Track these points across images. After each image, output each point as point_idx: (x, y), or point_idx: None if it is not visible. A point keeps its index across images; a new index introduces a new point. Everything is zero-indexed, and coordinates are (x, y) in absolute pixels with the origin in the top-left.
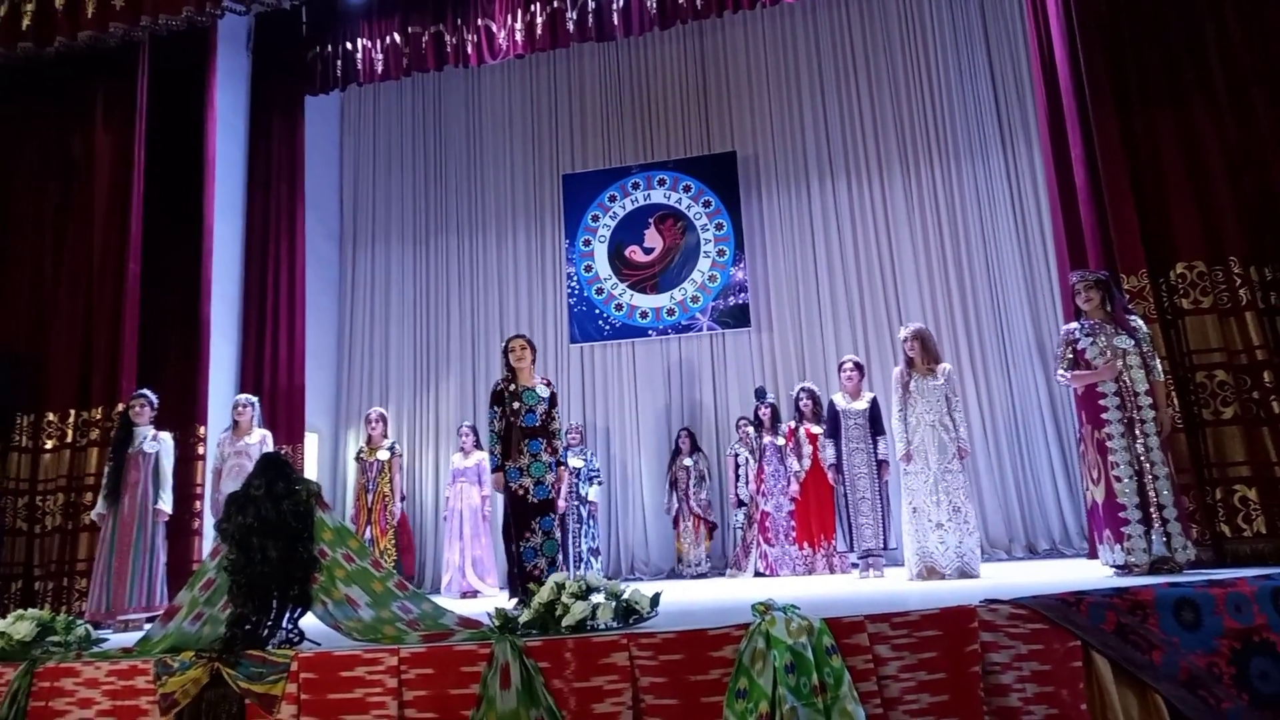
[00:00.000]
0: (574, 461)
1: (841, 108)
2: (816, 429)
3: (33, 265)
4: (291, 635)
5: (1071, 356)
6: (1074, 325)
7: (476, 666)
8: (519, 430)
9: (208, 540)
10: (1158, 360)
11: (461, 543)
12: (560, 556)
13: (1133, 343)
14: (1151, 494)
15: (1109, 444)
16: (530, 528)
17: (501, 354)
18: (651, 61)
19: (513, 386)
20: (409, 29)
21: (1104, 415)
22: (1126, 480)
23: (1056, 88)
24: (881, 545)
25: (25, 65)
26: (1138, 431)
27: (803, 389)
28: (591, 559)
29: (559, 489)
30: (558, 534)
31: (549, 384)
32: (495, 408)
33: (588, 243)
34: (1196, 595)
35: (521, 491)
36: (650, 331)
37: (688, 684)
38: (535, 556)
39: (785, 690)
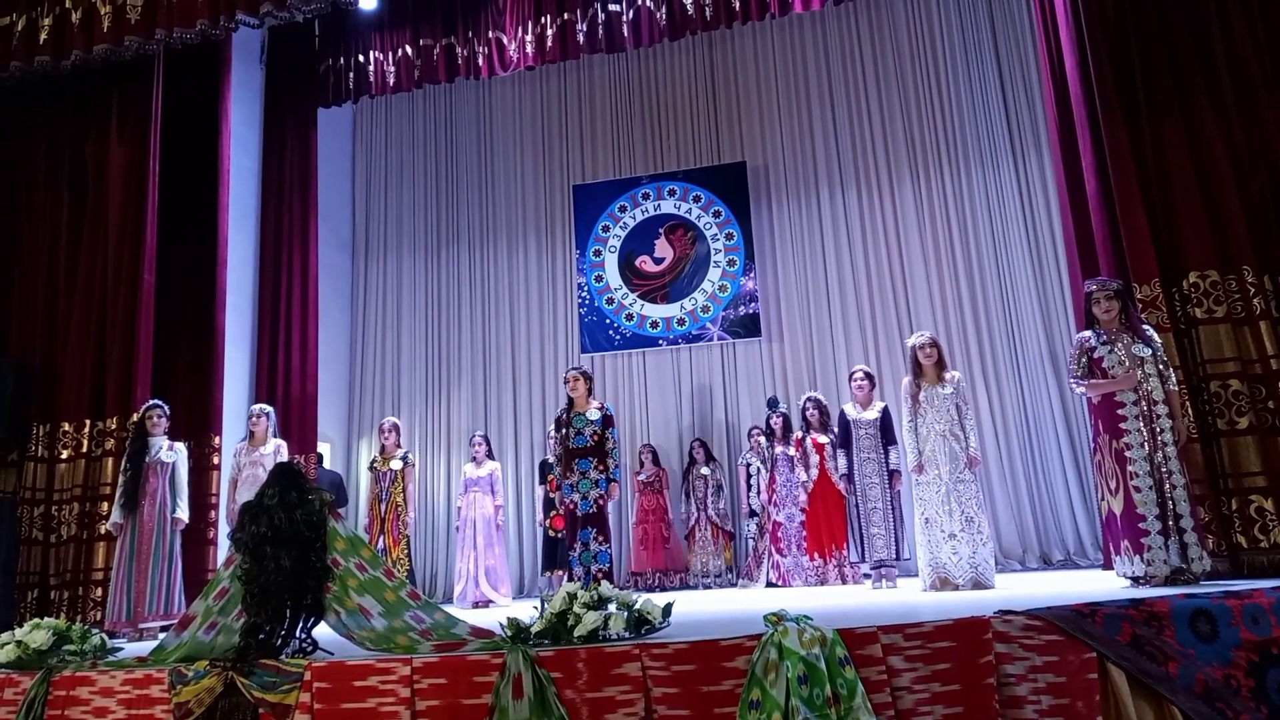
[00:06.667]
0: None
1: (851, 117)
2: (823, 438)
3: (48, 276)
4: (305, 644)
5: (1086, 365)
6: (1088, 333)
7: (489, 676)
8: (570, 451)
9: (223, 550)
10: (1172, 370)
11: (475, 552)
12: (605, 566)
13: (1150, 352)
14: (1170, 504)
15: (1128, 454)
16: (576, 538)
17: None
18: (661, 72)
19: (567, 414)
20: (420, 41)
21: (1123, 425)
22: (1146, 491)
23: (1066, 96)
24: (894, 556)
25: (42, 78)
26: (1157, 441)
27: (809, 399)
28: None
29: (604, 502)
30: (597, 545)
31: (602, 408)
32: (554, 433)
33: (598, 253)
34: (1213, 607)
35: (571, 506)
36: (661, 341)
37: (700, 695)
38: (576, 565)
39: (798, 701)
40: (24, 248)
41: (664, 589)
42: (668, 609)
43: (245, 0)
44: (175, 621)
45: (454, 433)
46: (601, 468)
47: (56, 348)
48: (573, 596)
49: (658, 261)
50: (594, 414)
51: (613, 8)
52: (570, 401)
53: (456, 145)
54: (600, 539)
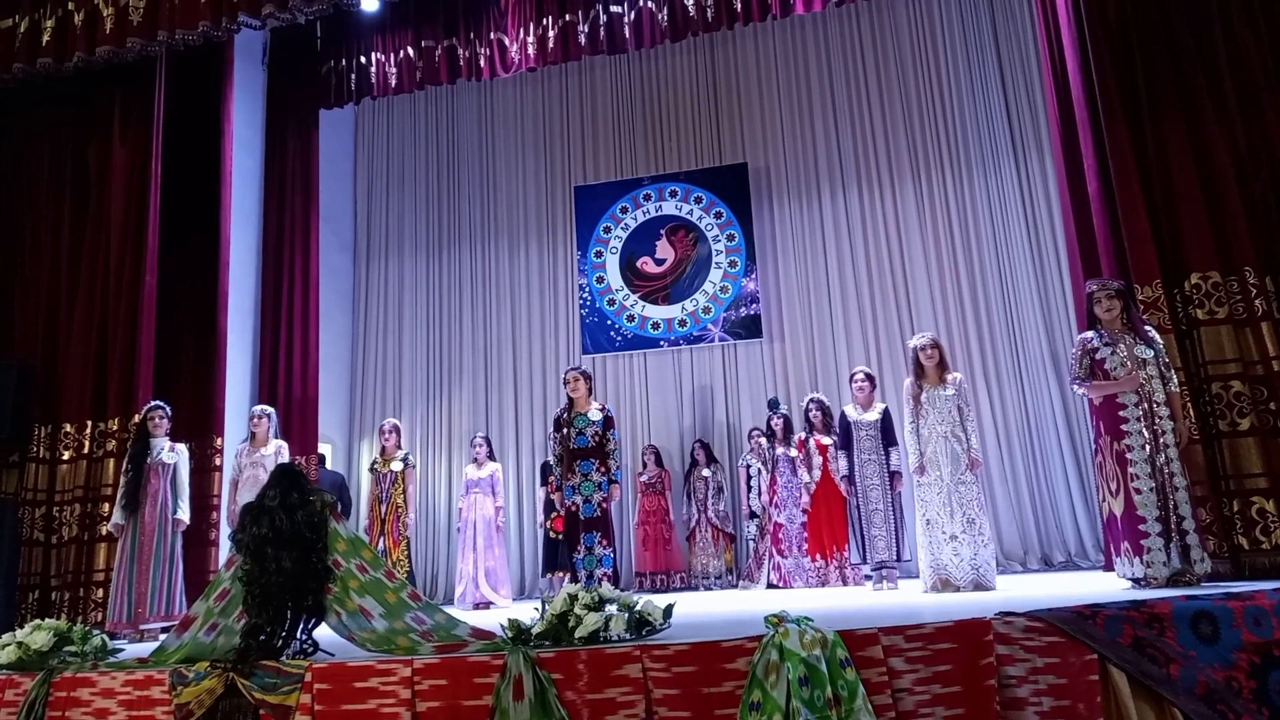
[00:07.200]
0: None
1: (852, 118)
2: (826, 440)
3: (50, 277)
4: (305, 646)
5: (1088, 366)
6: (1090, 334)
7: (490, 678)
8: (571, 452)
9: (224, 551)
10: (1173, 371)
11: (475, 554)
12: (608, 571)
13: (1152, 353)
14: (1171, 506)
15: (1129, 455)
16: (579, 541)
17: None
18: (663, 73)
19: (567, 414)
20: (422, 43)
21: (1124, 427)
22: (1147, 492)
23: (1068, 97)
24: (895, 557)
25: (44, 80)
26: (1159, 443)
27: (812, 400)
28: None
29: (607, 505)
30: (601, 549)
31: (603, 408)
32: (554, 434)
33: (599, 254)
34: (1214, 608)
35: (573, 508)
36: (662, 342)
37: (701, 696)
38: (580, 568)
39: (799, 703)
40: (26, 249)
41: (665, 590)
42: (669, 610)
43: (247, 1)
44: (176, 623)
45: (455, 434)
46: (603, 469)
47: (58, 349)
48: (573, 598)
49: (659, 263)
50: (595, 414)
51: (614, 9)
52: (570, 402)
53: (458, 147)
54: (604, 543)
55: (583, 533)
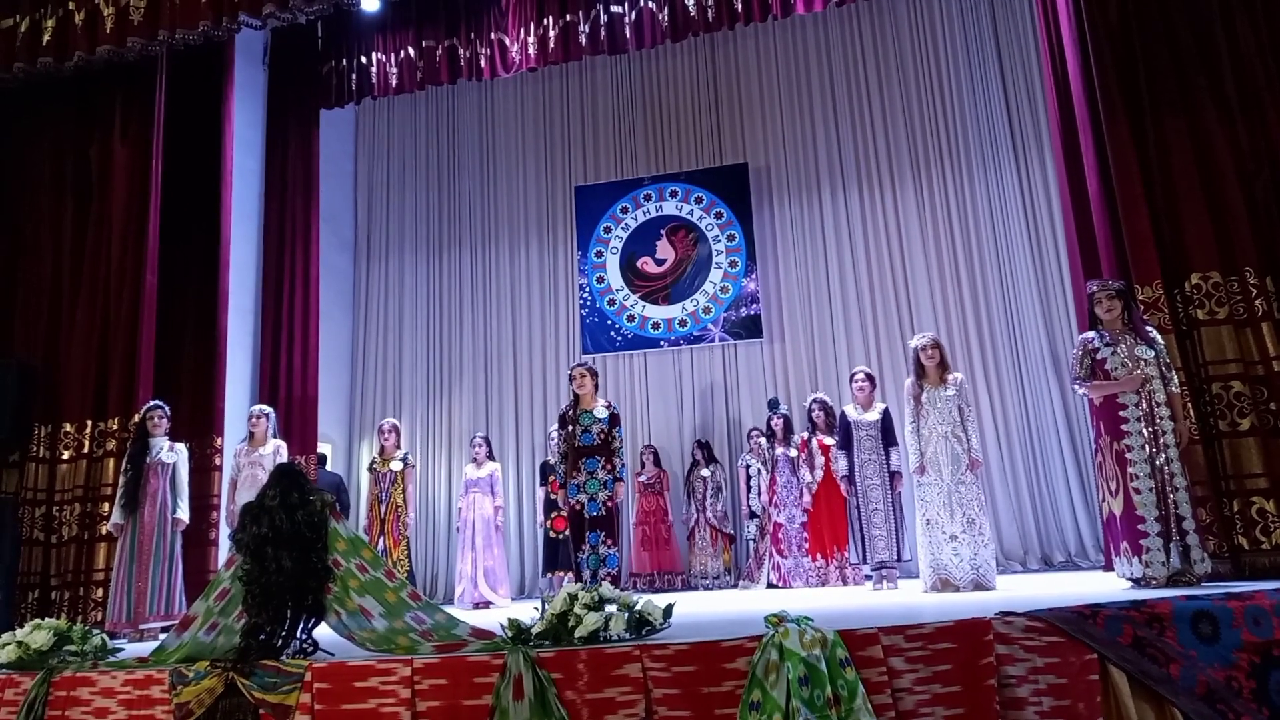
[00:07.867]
0: None
1: (853, 118)
2: (829, 440)
3: (51, 277)
4: (305, 645)
5: (1089, 366)
6: (1091, 334)
7: (490, 677)
8: (576, 450)
9: (224, 550)
10: (1174, 371)
11: (474, 553)
12: (613, 570)
13: (1153, 353)
14: (1171, 506)
15: (1129, 455)
16: (584, 540)
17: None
18: (663, 74)
19: (573, 411)
20: (423, 43)
21: (1124, 427)
22: (1146, 492)
23: (1068, 97)
24: (895, 557)
25: (45, 79)
26: (1159, 443)
27: (815, 400)
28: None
29: (612, 504)
30: (605, 548)
31: (609, 406)
32: (559, 431)
33: (600, 254)
34: (1214, 608)
35: (578, 507)
36: (662, 342)
37: (701, 696)
38: (584, 568)
39: (799, 702)
40: (27, 248)
41: (663, 590)
42: (668, 610)
43: (248, 1)
44: (176, 622)
45: (455, 434)
46: (608, 466)
47: (59, 348)
48: (573, 597)
49: (659, 263)
50: (601, 412)
51: (615, 9)
52: (576, 399)
53: (458, 146)
54: (609, 542)
55: (587, 531)
